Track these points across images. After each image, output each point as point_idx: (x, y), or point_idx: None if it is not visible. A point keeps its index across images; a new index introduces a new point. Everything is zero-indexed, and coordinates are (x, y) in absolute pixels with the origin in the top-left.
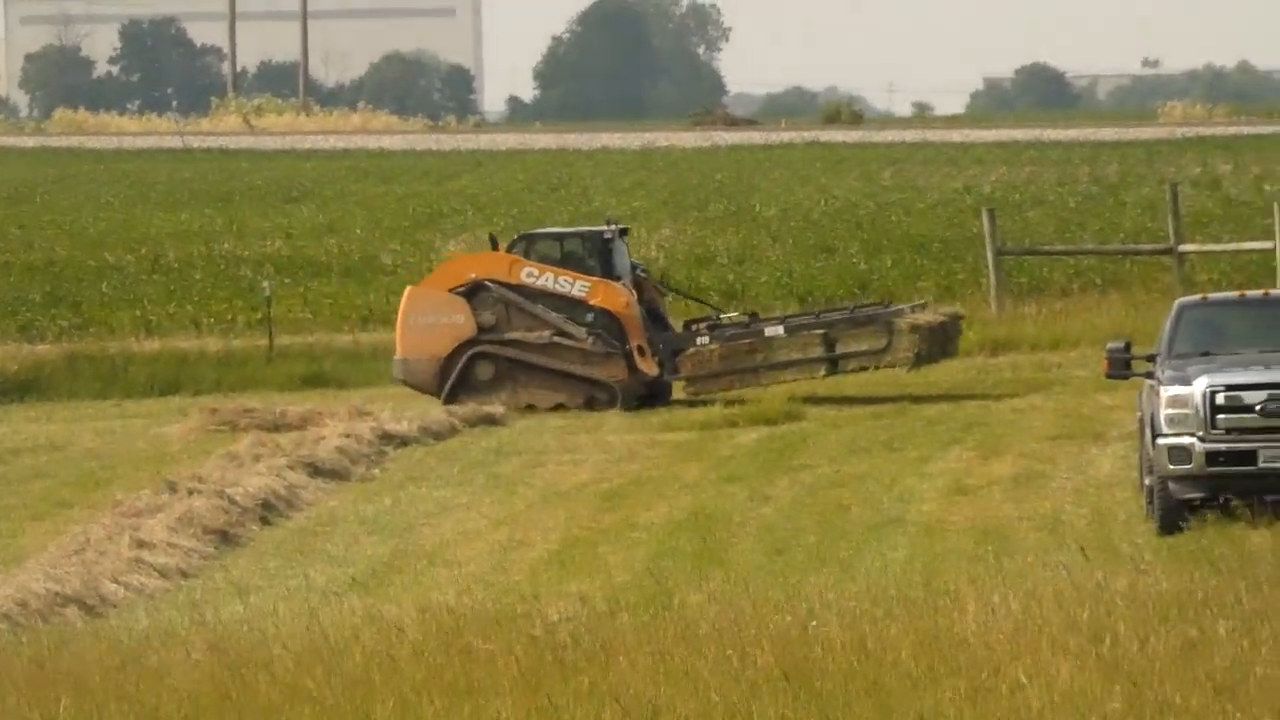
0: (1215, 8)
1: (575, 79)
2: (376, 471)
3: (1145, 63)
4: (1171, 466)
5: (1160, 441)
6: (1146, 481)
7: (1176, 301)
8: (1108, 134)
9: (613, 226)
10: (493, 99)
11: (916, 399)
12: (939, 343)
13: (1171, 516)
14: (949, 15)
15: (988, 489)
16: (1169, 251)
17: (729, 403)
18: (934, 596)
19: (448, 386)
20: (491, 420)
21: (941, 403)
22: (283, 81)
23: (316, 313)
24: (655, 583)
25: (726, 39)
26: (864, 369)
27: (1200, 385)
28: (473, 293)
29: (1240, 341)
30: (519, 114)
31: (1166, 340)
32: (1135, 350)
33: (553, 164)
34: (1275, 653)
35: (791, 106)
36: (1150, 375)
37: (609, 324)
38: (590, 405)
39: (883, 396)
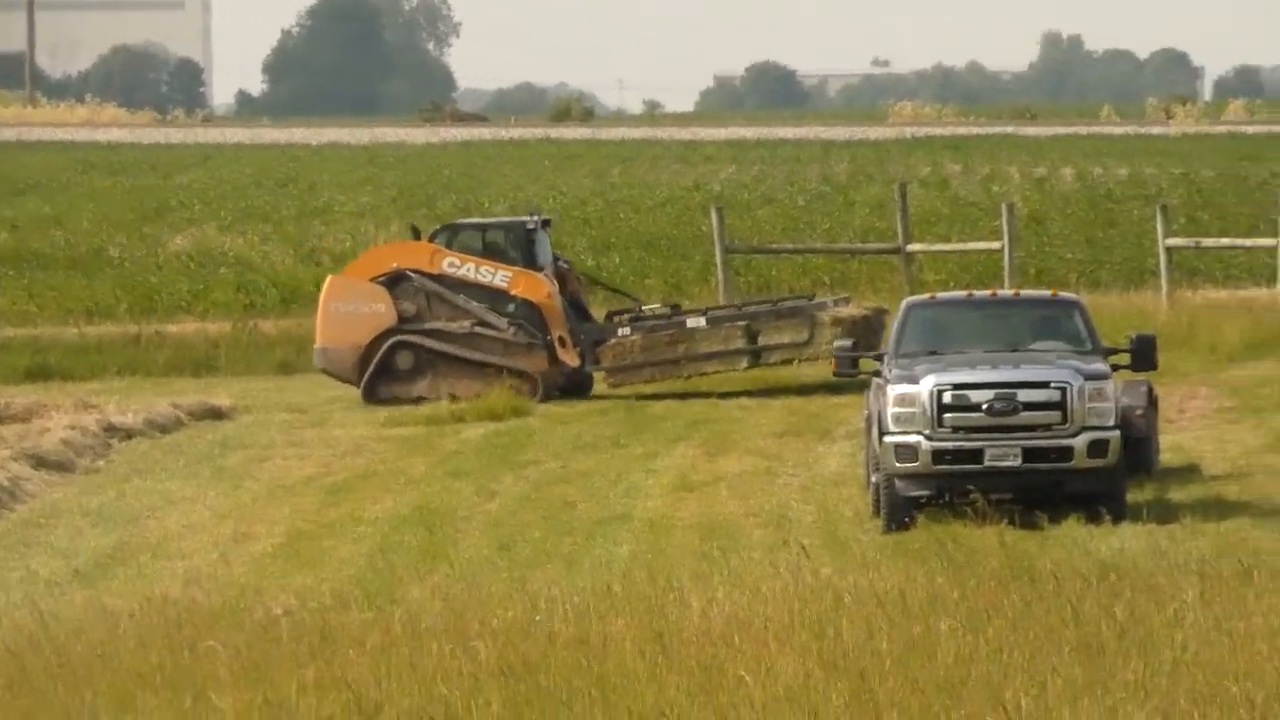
0: (945, 9)
1: (304, 74)
2: (101, 464)
3: (875, 62)
4: (898, 464)
5: (887, 439)
6: (873, 479)
7: (904, 301)
8: (838, 133)
9: (536, 218)
10: (221, 93)
11: (643, 397)
12: (861, 336)
13: (897, 514)
14: (679, 13)
15: (714, 485)
16: (897, 251)
17: (454, 398)
18: (659, 592)
19: (367, 375)
20: (217, 414)
21: (669, 400)
22: (8, 73)
23: (42, 305)
24: (380, 577)
25: (457, 34)
26: (786, 362)
27: (927, 384)
28: (394, 282)
29: (967, 341)
30: (247, 108)
31: (894, 339)
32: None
33: (280, 159)
34: (997, 651)
35: (521, 103)
36: (878, 374)
37: (530, 315)
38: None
39: (609, 395)
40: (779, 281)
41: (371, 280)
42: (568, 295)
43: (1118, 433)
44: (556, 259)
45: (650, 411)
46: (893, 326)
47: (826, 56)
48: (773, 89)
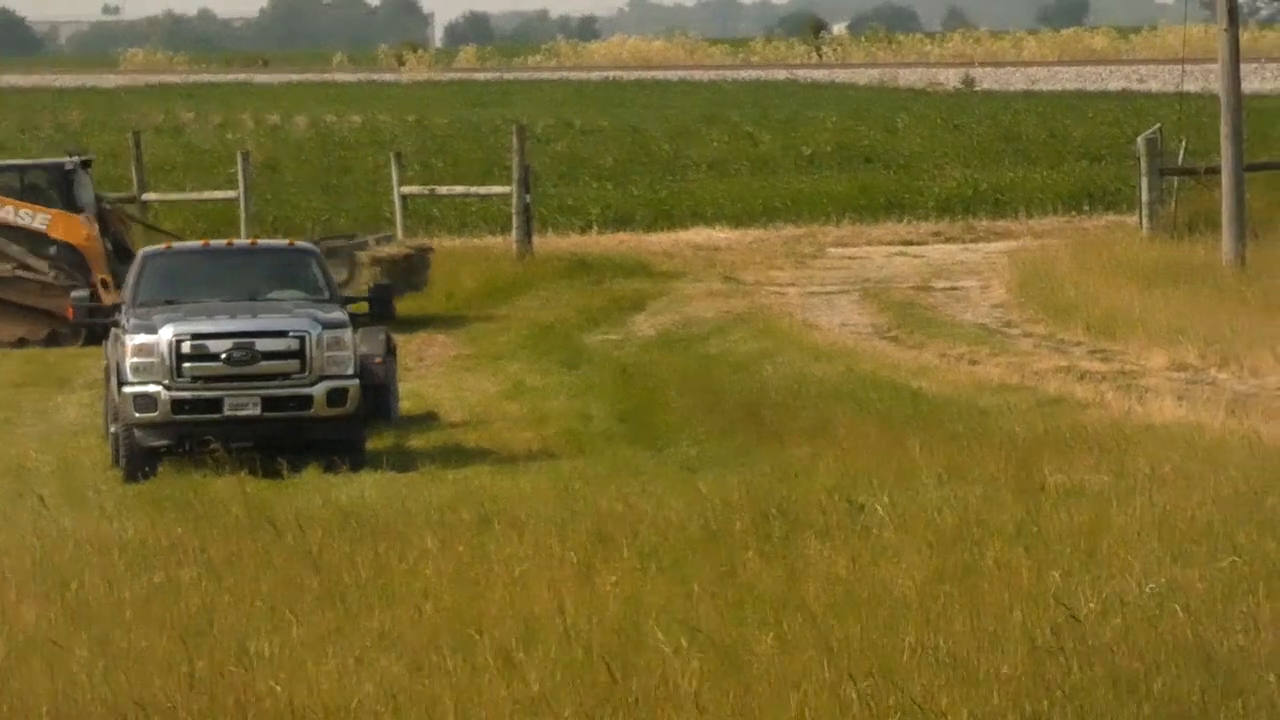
0: None
1: None
2: None
3: (106, 9)
4: (138, 414)
5: (126, 389)
6: (113, 429)
7: (140, 251)
8: (70, 80)
9: (75, 158)
10: None
11: None
12: (403, 276)
13: (138, 464)
14: None
15: None
16: (133, 200)
17: None
18: None
19: None
20: None
21: None
22: None
23: None
24: None
25: None
26: None
27: (166, 334)
28: None
29: (206, 291)
30: None
31: (131, 289)
32: None
33: None
34: (238, 599)
35: None
36: (115, 324)
37: (72, 257)
38: (53, 340)
39: None
40: None
41: None
42: (111, 236)
43: (357, 381)
44: (99, 200)
45: None
46: (128, 277)
47: (57, 3)
48: (3, 36)
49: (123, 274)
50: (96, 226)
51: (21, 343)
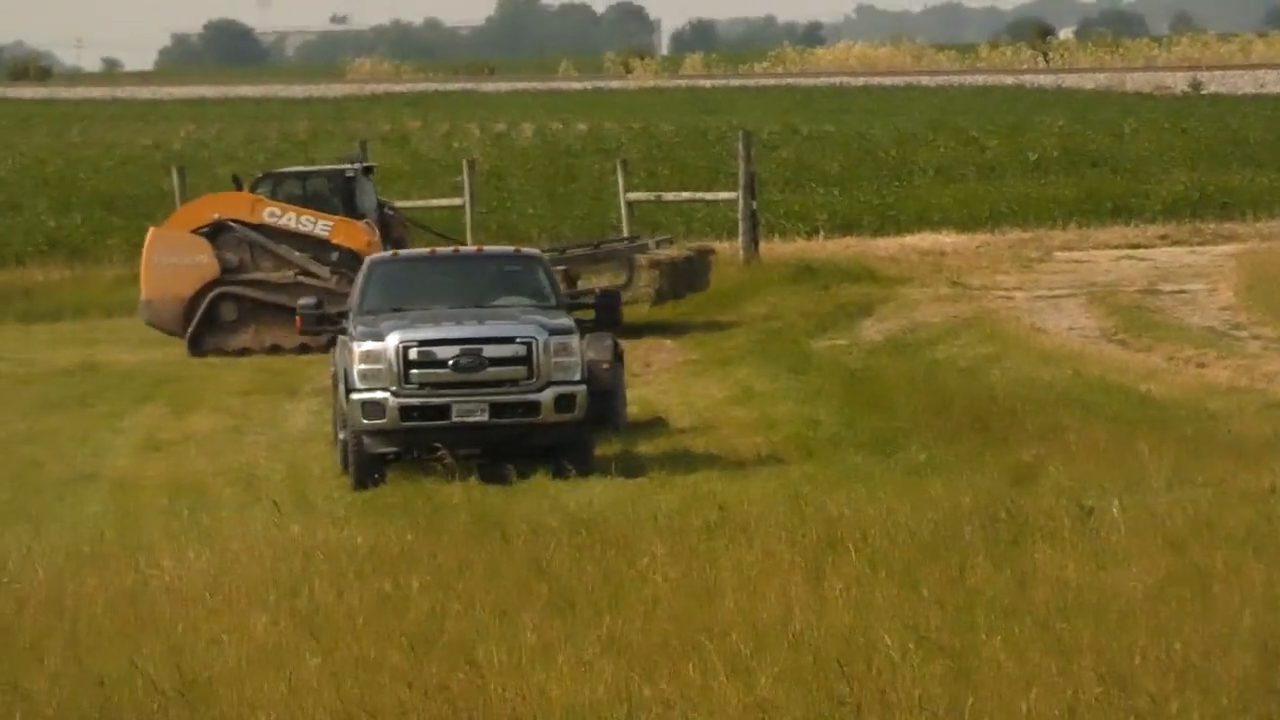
0: None
1: None
2: None
3: (334, 19)
4: (365, 421)
5: (354, 396)
6: (341, 436)
7: (367, 259)
8: (297, 90)
9: (356, 165)
10: None
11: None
12: (684, 278)
13: (366, 471)
14: None
15: (183, 444)
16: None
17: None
18: (129, 551)
19: (192, 327)
20: None
21: (131, 360)
22: None
23: None
24: None
25: None
26: None
27: (393, 340)
28: (216, 233)
29: (432, 297)
30: None
31: (358, 296)
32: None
33: None
34: (467, 606)
35: None
36: (344, 331)
37: (353, 263)
38: (304, 349)
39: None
40: None
41: (193, 232)
42: (392, 242)
43: (584, 387)
44: (382, 205)
45: (115, 371)
46: (356, 284)
47: (285, 13)
48: (231, 46)
49: None
50: (377, 232)
51: (304, 349)
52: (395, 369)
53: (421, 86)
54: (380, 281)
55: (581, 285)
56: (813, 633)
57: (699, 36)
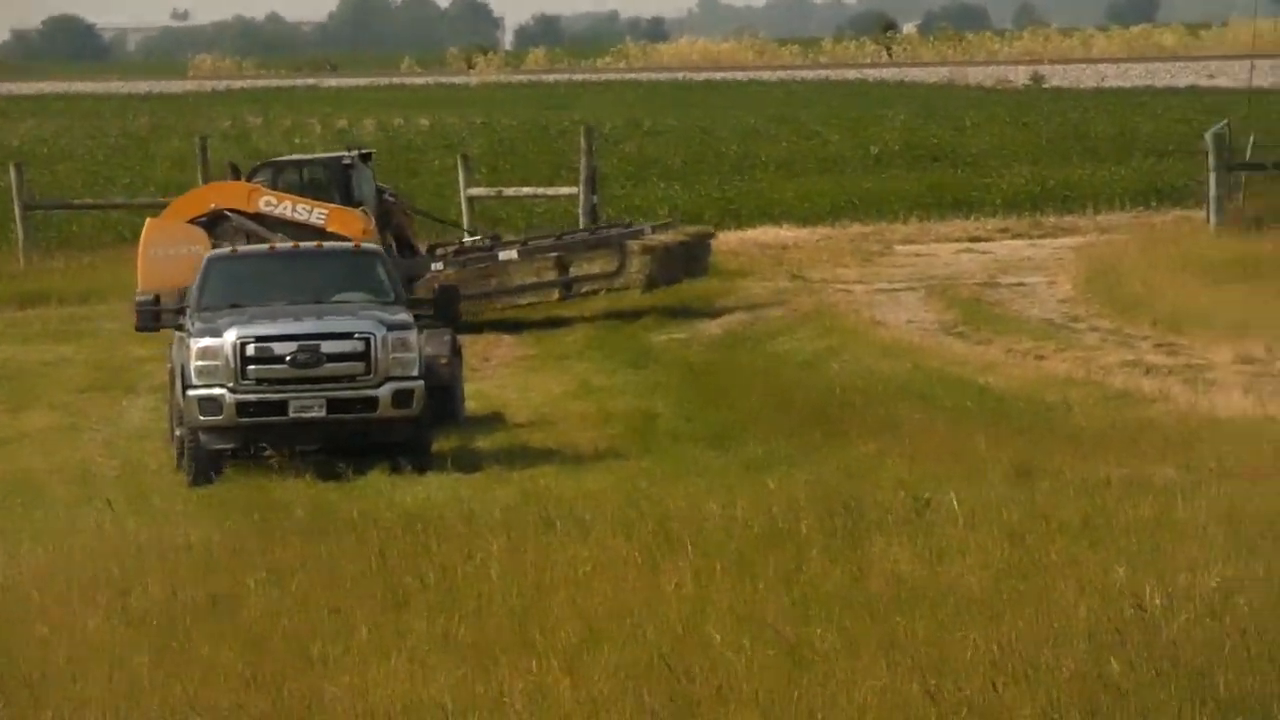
0: None
1: None
2: None
3: (175, 15)
4: (202, 418)
5: (191, 393)
6: (177, 433)
7: (205, 255)
8: (138, 87)
9: (353, 152)
10: None
11: None
12: (679, 263)
13: (203, 468)
14: None
15: (17, 441)
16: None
17: None
18: None
19: None
20: None
21: None
22: None
23: None
24: None
25: None
26: (596, 292)
27: (230, 337)
28: (213, 223)
29: (271, 294)
30: None
31: (196, 292)
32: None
33: None
34: (302, 603)
35: None
36: (181, 328)
37: None
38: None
39: None
40: (80, 237)
41: (190, 222)
42: (393, 229)
43: (422, 383)
44: (382, 192)
45: None
46: (194, 280)
47: (125, 9)
48: (71, 43)
49: (399, 267)
50: (373, 221)
51: None
52: (232, 365)
53: (263, 83)
54: (218, 278)
55: (574, 273)
56: (649, 627)
57: (543, 31)
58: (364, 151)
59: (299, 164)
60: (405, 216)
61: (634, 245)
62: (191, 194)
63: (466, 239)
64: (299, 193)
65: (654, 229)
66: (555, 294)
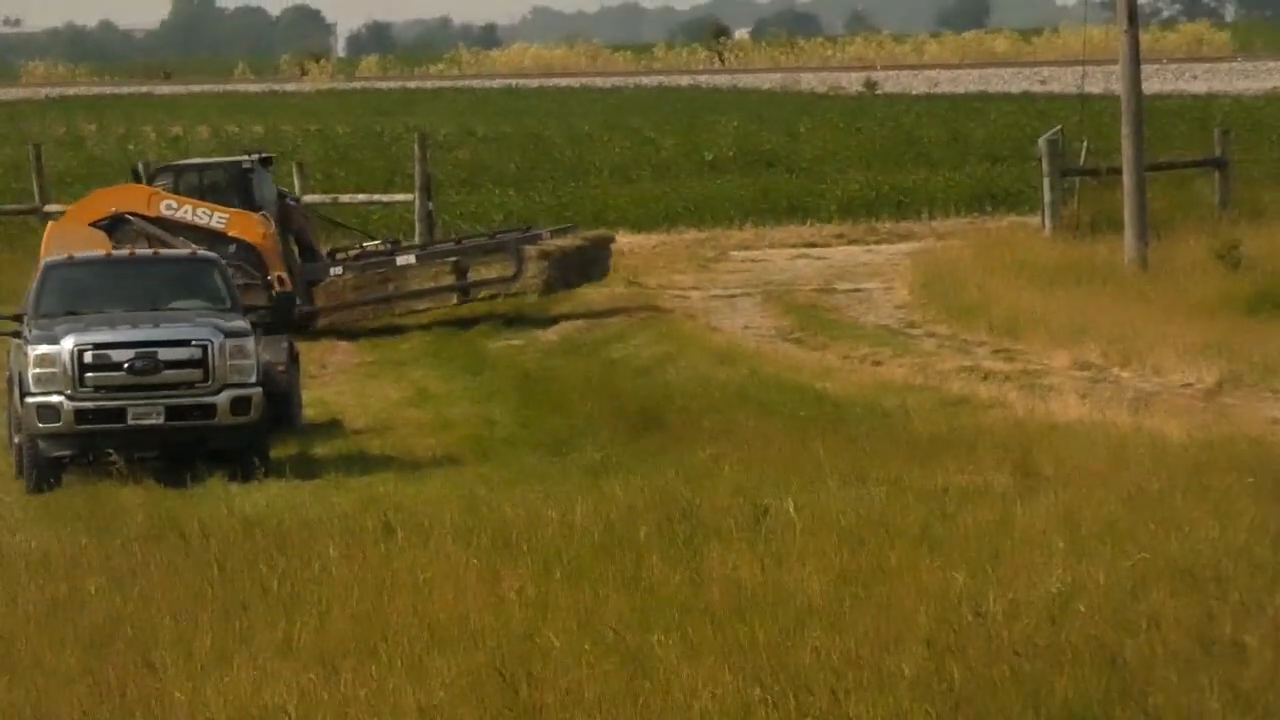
0: None
1: None
2: None
3: (7, 21)
4: (41, 425)
5: (29, 400)
6: (16, 440)
7: (43, 261)
8: None
9: (253, 156)
10: None
11: None
12: (575, 268)
13: (42, 475)
14: None
15: None
16: (34, 211)
17: None
18: None
19: None
20: None
21: None
22: None
23: None
24: None
25: None
26: (494, 297)
27: (68, 344)
28: (114, 226)
29: (109, 301)
30: None
31: (33, 299)
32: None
33: None
34: (144, 609)
35: None
36: (18, 335)
37: (249, 255)
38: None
39: None
40: None
41: (91, 225)
42: (295, 233)
43: (260, 389)
44: (283, 196)
45: None
46: (30, 288)
47: None
48: None
49: (298, 273)
50: (273, 225)
51: None
52: (70, 372)
53: (97, 90)
54: (56, 285)
55: (472, 277)
56: (489, 633)
57: (375, 39)
58: (264, 156)
59: (199, 168)
60: (306, 220)
61: (531, 250)
62: (92, 197)
63: (365, 244)
64: (199, 197)
65: (552, 234)
66: (453, 299)
